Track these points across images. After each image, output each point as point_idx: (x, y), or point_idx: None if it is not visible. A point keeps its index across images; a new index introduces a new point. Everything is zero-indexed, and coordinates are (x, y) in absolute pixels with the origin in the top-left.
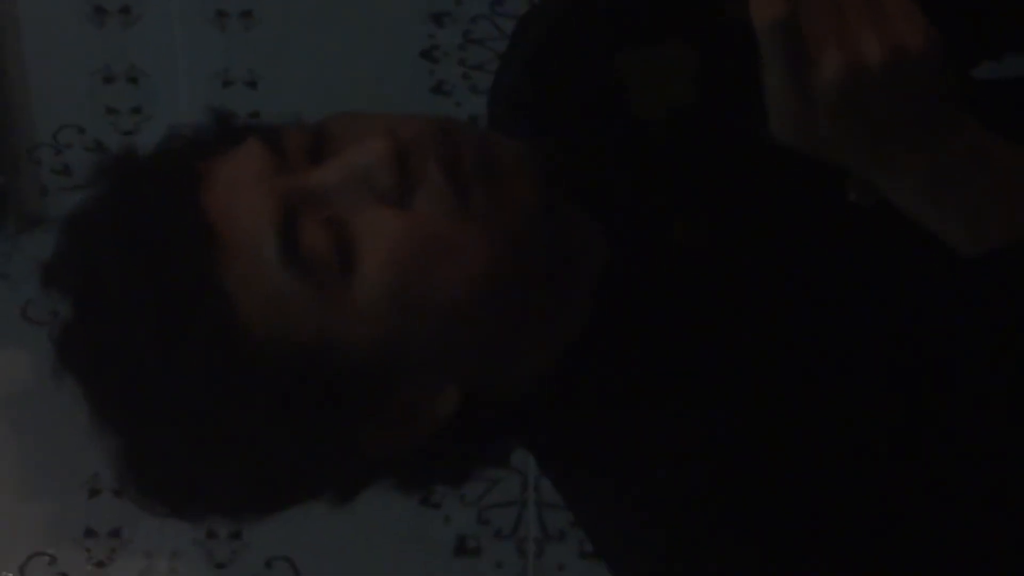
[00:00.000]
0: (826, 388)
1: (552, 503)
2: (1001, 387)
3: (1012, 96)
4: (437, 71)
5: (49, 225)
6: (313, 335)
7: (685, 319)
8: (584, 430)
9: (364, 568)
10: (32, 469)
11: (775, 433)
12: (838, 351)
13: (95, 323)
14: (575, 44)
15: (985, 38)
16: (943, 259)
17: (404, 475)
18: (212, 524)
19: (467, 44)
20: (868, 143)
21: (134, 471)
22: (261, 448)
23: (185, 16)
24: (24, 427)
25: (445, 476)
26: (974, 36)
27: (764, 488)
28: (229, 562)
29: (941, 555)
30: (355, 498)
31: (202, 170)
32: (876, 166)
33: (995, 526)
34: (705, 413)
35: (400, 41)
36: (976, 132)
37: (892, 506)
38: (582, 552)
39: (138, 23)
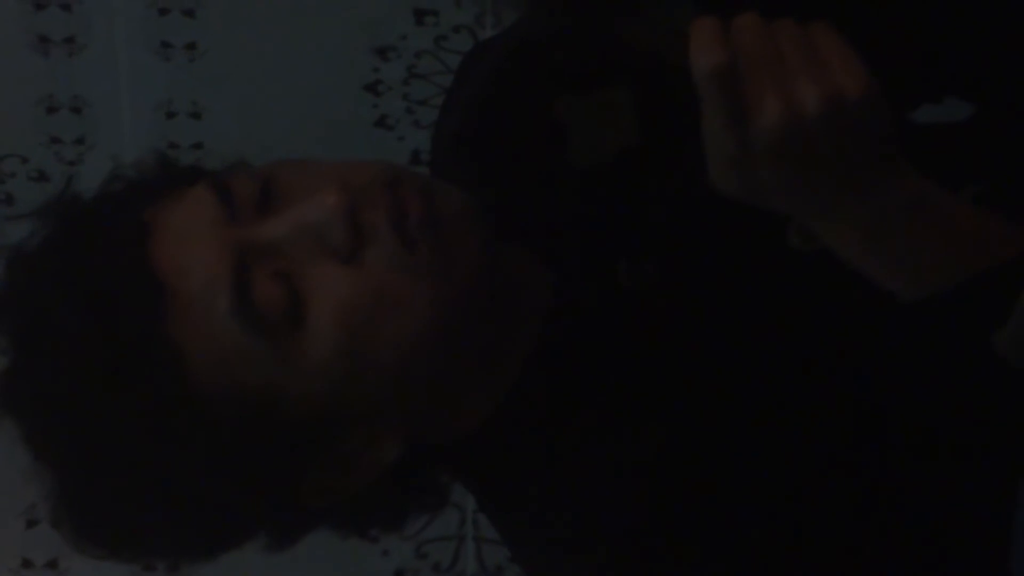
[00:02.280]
0: (765, 427)
1: (490, 538)
2: (936, 427)
3: (950, 140)
4: (381, 105)
5: None
6: (261, 386)
7: (628, 360)
8: (524, 469)
9: None
10: None
11: (715, 473)
12: (778, 392)
13: (39, 368)
14: (517, 88)
15: (924, 82)
16: (882, 303)
17: (343, 520)
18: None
19: (411, 79)
20: (806, 191)
21: (71, 514)
22: (202, 498)
23: (130, 47)
24: None
25: (383, 520)
26: (913, 80)
27: (701, 528)
28: None
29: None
30: (293, 544)
31: (149, 217)
32: (814, 214)
33: (928, 561)
34: (646, 452)
35: (344, 74)
36: (914, 180)
37: (828, 533)
38: None
39: (83, 53)
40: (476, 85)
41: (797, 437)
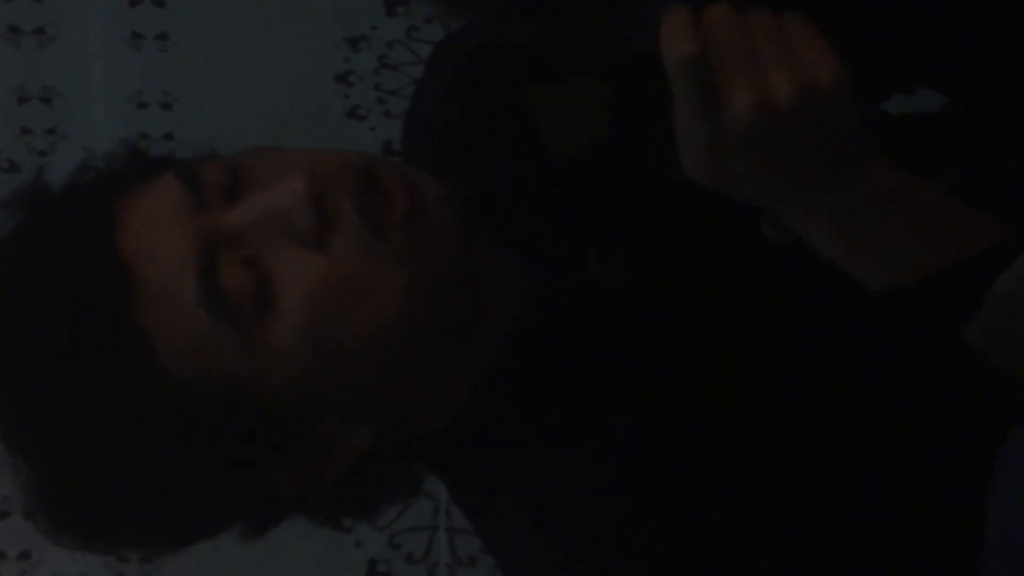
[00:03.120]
0: (740, 417)
1: (463, 528)
2: (908, 418)
3: (923, 130)
4: (352, 95)
5: None
6: (230, 374)
7: (602, 351)
8: (498, 460)
9: None
10: None
11: (690, 462)
12: (751, 382)
13: (9, 361)
14: (488, 79)
15: (896, 72)
16: (855, 293)
17: (316, 509)
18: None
19: (382, 69)
20: (778, 181)
21: (46, 505)
22: (174, 487)
23: (101, 37)
24: None
25: (356, 509)
26: (885, 70)
27: (679, 517)
28: None
29: None
30: (267, 533)
31: (117, 206)
32: (786, 204)
33: (902, 550)
34: (620, 443)
35: (315, 65)
36: (886, 171)
37: (804, 525)
38: None
39: (53, 43)
40: (448, 74)
41: (771, 426)
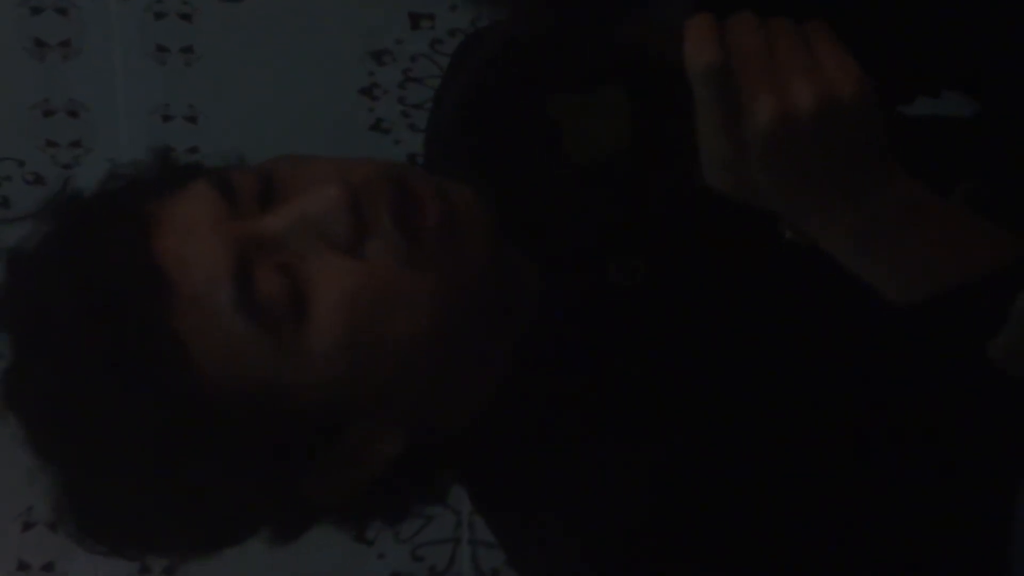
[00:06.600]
0: (760, 426)
1: (486, 541)
2: (932, 432)
3: (946, 136)
4: (377, 108)
5: None
6: (264, 380)
7: (620, 357)
8: (520, 466)
9: None
10: None
11: (711, 472)
12: (771, 391)
13: (44, 365)
14: (507, 86)
15: (921, 76)
16: (877, 304)
17: (344, 514)
18: (148, 560)
19: (407, 82)
20: (799, 191)
21: (75, 510)
22: (205, 492)
23: (126, 51)
24: None
25: (384, 514)
26: (910, 74)
27: (707, 521)
28: None
29: None
30: (296, 539)
31: (151, 213)
32: (807, 214)
33: (927, 566)
34: (642, 449)
35: (340, 78)
36: (906, 183)
37: (822, 536)
38: None
39: (78, 57)
40: (469, 77)
41: (791, 437)
